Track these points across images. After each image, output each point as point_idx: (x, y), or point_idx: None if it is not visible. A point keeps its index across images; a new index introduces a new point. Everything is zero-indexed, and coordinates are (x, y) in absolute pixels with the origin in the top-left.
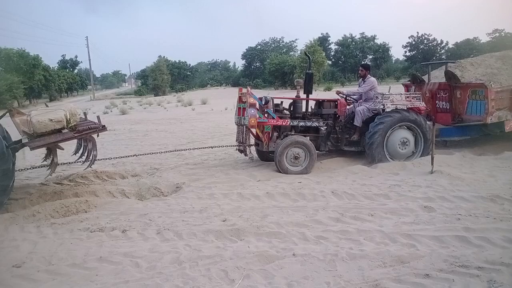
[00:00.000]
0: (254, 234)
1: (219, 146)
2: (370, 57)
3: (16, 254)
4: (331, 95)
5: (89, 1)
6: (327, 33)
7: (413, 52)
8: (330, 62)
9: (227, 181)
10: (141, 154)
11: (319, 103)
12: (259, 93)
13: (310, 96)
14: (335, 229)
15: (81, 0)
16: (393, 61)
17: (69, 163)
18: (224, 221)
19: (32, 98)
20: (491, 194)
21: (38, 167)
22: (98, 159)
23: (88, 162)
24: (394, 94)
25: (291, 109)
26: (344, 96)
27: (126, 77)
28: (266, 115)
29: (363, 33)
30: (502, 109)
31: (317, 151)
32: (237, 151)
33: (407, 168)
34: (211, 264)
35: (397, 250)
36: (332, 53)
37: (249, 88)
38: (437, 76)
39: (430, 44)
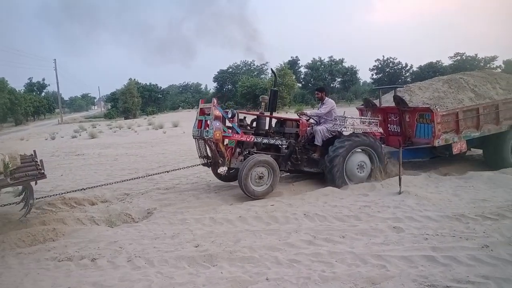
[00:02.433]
0: (227, 259)
1: (187, 167)
2: (339, 79)
3: None
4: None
5: (57, 25)
6: (296, 57)
7: (380, 75)
8: (300, 85)
9: (199, 205)
10: (110, 183)
11: (282, 121)
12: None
13: (274, 114)
14: (307, 252)
15: (49, 23)
16: (361, 84)
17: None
18: (196, 246)
19: None
20: (456, 213)
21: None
22: (68, 191)
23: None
24: (354, 118)
25: (254, 125)
26: (308, 118)
27: (95, 100)
28: (230, 129)
29: (331, 56)
30: (449, 132)
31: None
32: (204, 165)
33: (376, 189)
34: None
35: (368, 271)
36: (302, 76)
37: (214, 100)
38: (388, 100)
39: (396, 67)
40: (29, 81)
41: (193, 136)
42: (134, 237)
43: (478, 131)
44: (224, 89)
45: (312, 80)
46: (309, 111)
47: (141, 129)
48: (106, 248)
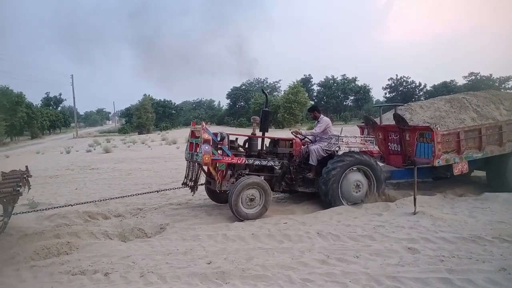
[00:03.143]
0: (239, 277)
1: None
2: (352, 98)
3: None
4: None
5: (74, 41)
6: (309, 75)
7: (393, 94)
8: (312, 103)
9: (211, 221)
10: (124, 196)
11: (275, 142)
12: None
13: (266, 134)
14: (320, 271)
15: (66, 39)
16: (374, 102)
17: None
18: (209, 263)
19: (14, 136)
20: (472, 235)
21: None
22: (82, 202)
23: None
24: (349, 136)
25: (246, 146)
26: (302, 137)
27: (110, 115)
28: (220, 152)
29: (344, 74)
30: (449, 152)
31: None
32: (183, 186)
33: (390, 208)
34: None
35: None
36: (315, 94)
37: (203, 123)
38: (389, 118)
39: (409, 86)
40: (46, 96)
41: (185, 158)
42: (147, 252)
43: (480, 152)
44: (237, 106)
45: (324, 98)
46: (304, 130)
47: (155, 144)
48: (119, 262)
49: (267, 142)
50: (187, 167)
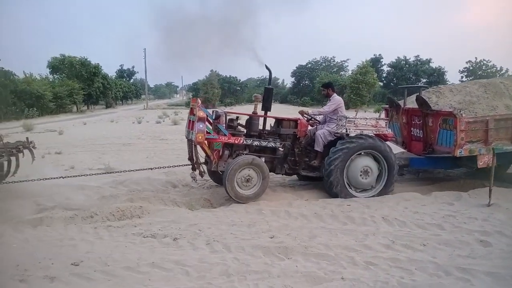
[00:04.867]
0: (301, 254)
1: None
2: (424, 80)
3: (74, 253)
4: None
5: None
6: (380, 55)
7: (470, 78)
8: (381, 84)
9: (274, 198)
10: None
11: (279, 121)
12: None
13: (269, 114)
14: (385, 256)
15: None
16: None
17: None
18: (272, 238)
19: (90, 104)
20: None
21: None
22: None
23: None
24: (358, 118)
25: (247, 126)
26: (310, 117)
27: (178, 89)
28: (217, 131)
29: (418, 55)
30: (475, 142)
31: (274, 174)
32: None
33: (462, 198)
34: (259, 279)
35: (451, 283)
36: (384, 75)
37: (199, 100)
38: (414, 101)
39: (489, 71)
40: (120, 68)
41: (185, 136)
42: (212, 221)
43: None
44: (301, 84)
45: (395, 79)
46: (310, 110)
47: None
48: (186, 229)
49: (272, 122)
50: (188, 147)
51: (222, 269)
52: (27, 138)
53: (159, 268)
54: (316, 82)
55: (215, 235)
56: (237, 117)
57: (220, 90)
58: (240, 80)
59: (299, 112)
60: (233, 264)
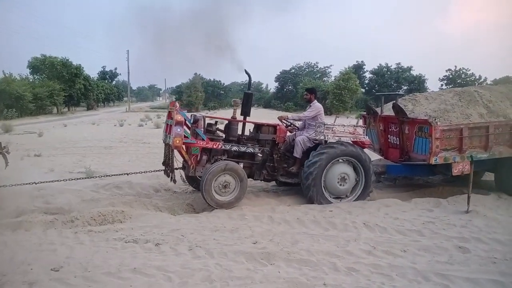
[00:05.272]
0: (284, 260)
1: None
2: (405, 87)
3: (54, 258)
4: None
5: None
6: (362, 61)
7: (450, 86)
8: (363, 90)
9: (257, 203)
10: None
11: (257, 127)
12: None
13: (248, 119)
14: (366, 262)
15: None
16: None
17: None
18: (254, 243)
19: (71, 106)
20: None
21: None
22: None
23: None
24: (336, 125)
25: (226, 131)
26: (289, 123)
27: (161, 92)
28: (195, 135)
29: (399, 63)
30: (449, 150)
31: (252, 180)
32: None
33: (441, 205)
34: (241, 285)
35: None
36: (366, 81)
37: (177, 103)
38: (391, 108)
39: (468, 79)
40: (102, 69)
41: (162, 140)
42: (195, 227)
43: (487, 152)
44: (284, 89)
45: (376, 86)
46: (290, 115)
47: None
48: (169, 234)
49: (252, 127)
50: (164, 151)
51: (204, 275)
52: (0, 143)
53: (141, 274)
54: (299, 88)
55: (197, 240)
56: (216, 122)
57: (203, 93)
58: (224, 84)
59: (278, 118)
60: (216, 270)
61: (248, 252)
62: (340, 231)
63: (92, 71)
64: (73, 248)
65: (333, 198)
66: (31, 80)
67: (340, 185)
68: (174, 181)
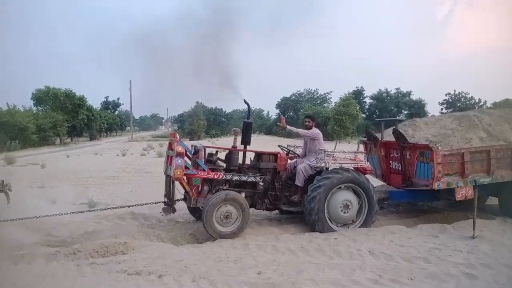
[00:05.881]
0: None
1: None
2: (405, 112)
3: None
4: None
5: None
6: (361, 87)
7: (450, 110)
8: (364, 115)
9: (260, 232)
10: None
11: (258, 155)
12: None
13: (249, 148)
14: None
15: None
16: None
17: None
18: (259, 273)
19: (74, 136)
20: None
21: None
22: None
23: None
24: (337, 151)
25: (227, 160)
26: (288, 150)
27: (163, 120)
28: (196, 166)
29: (398, 88)
30: (452, 175)
31: (255, 209)
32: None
33: (447, 231)
34: None
35: None
36: (367, 107)
37: (177, 134)
38: (391, 133)
39: (468, 103)
40: (105, 100)
41: (163, 172)
42: (198, 257)
43: (489, 176)
44: (286, 116)
45: (377, 111)
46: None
47: None
48: (172, 265)
49: (253, 156)
50: (165, 182)
51: None
52: (2, 181)
53: None
54: (300, 114)
55: (201, 271)
56: (216, 152)
57: (205, 121)
58: (225, 111)
59: (278, 124)
60: None
61: (252, 283)
62: (345, 259)
63: (95, 101)
64: (76, 281)
65: (339, 226)
66: (34, 112)
67: (344, 212)
68: (174, 211)
